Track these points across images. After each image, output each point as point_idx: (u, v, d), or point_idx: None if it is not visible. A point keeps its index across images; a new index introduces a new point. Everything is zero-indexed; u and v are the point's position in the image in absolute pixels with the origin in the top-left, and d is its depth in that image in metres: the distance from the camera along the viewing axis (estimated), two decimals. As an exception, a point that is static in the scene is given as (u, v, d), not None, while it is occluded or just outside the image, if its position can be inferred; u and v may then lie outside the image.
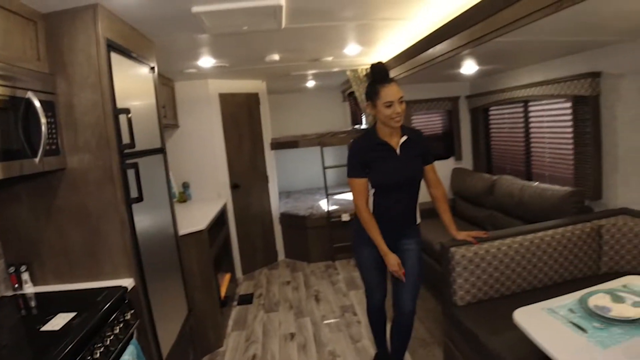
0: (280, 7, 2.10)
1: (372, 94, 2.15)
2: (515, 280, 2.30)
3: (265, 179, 4.83)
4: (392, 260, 2.17)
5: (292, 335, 3.22)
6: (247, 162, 4.61)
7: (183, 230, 2.83)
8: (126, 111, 2.00)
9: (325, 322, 3.37)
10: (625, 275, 1.92)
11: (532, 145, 3.59)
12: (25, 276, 1.96)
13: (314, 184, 6.51)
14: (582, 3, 1.51)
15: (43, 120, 1.62)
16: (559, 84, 2.97)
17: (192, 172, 4.19)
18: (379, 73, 2.18)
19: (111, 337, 1.66)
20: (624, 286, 1.69)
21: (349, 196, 5.36)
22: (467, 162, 4.58)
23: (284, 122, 6.05)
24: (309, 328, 3.31)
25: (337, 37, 2.99)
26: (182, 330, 2.58)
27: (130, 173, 2.02)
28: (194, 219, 3.22)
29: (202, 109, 4.14)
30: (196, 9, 2.04)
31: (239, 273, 4.55)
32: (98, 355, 1.53)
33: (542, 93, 3.18)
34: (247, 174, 4.59)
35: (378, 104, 2.11)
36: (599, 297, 1.60)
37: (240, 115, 4.49)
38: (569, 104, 3.00)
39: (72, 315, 1.63)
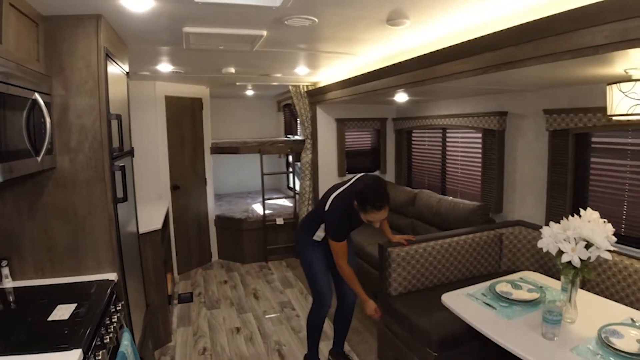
0: (260, 37, 2.42)
1: (361, 206, 2.31)
2: (437, 275, 2.88)
3: (203, 181, 5.02)
4: (372, 306, 2.52)
5: (238, 329, 3.49)
6: (188, 164, 4.77)
7: (141, 228, 2.98)
8: (118, 117, 2.19)
9: (267, 316, 3.69)
10: (521, 271, 2.56)
11: (448, 165, 4.28)
12: (6, 271, 2.01)
13: (244, 188, 6.78)
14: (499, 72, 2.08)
15: (48, 120, 1.72)
16: (473, 117, 3.65)
17: (135, 172, 4.24)
18: (380, 195, 2.28)
19: (112, 325, 1.86)
20: (521, 278, 2.31)
21: (282, 202, 5.75)
22: (390, 176, 5.21)
23: (220, 127, 6.23)
24: (253, 322, 3.61)
25: (292, 60, 3.36)
26: (144, 324, 2.76)
27: (118, 174, 2.20)
28: (144, 219, 3.35)
29: (148, 110, 4.23)
30: (188, 29, 2.25)
31: (175, 273, 4.67)
32: (108, 340, 1.74)
33: (458, 123, 3.86)
34: (187, 176, 4.75)
35: (363, 214, 2.35)
36: (503, 285, 2.19)
37: (184, 118, 4.65)
38: (479, 135, 3.69)
39: (73, 306, 1.77)
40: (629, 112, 1.98)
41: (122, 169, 2.21)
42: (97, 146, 2.04)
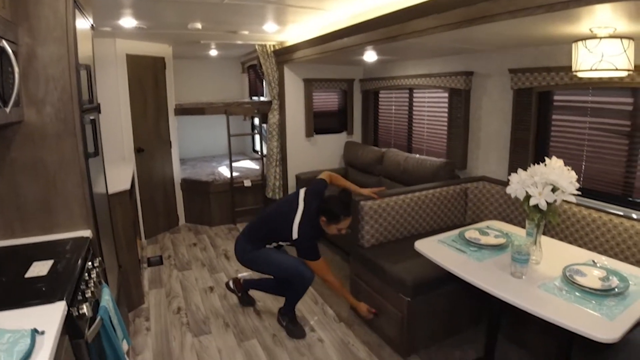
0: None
1: (333, 219, 2.60)
2: (407, 227, 3.01)
3: (168, 144, 4.90)
4: (364, 308, 2.72)
5: (212, 288, 3.52)
6: (152, 126, 4.63)
7: (110, 189, 2.91)
8: (87, 67, 2.09)
9: (240, 275, 3.73)
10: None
11: (414, 125, 4.37)
12: (-28, 233, 1.96)
13: (209, 153, 6.67)
14: (469, 28, 2.12)
15: (17, 69, 1.62)
16: (440, 77, 3.72)
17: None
18: (346, 205, 2.64)
19: (92, 280, 1.84)
20: (487, 226, 2.44)
21: (248, 164, 5.72)
22: (357, 137, 5.27)
23: (184, 88, 6.04)
24: (226, 281, 3.64)
25: (260, 16, 3.28)
26: (118, 285, 2.73)
27: (89, 128, 2.12)
28: (111, 179, 3.25)
29: (109, 69, 4.04)
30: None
31: (142, 237, 4.60)
32: (90, 294, 1.73)
33: (425, 84, 3.93)
34: (151, 138, 4.61)
35: (332, 226, 2.62)
36: (471, 232, 2.32)
37: (146, 78, 4.47)
38: (446, 94, 3.78)
39: (50, 262, 1.72)
40: (593, 68, 2.09)
41: (93, 122, 2.13)
42: (66, 98, 1.94)
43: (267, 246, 2.80)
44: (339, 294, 2.79)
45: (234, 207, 5.09)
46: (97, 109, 2.62)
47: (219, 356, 2.61)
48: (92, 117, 2.15)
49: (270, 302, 3.23)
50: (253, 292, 3.27)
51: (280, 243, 2.80)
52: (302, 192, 2.76)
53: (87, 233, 2.10)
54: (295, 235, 2.60)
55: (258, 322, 2.99)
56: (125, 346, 1.95)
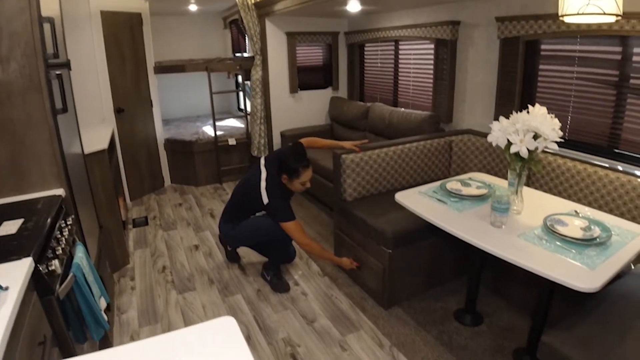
0: None
1: (292, 174, 2.58)
2: (390, 180, 2.98)
3: (149, 103, 4.76)
4: (347, 261, 2.71)
5: (197, 247, 3.52)
6: (131, 85, 4.47)
7: (86, 149, 2.84)
8: (50, 20, 1.97)
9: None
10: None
11: (400, 77, 4.26)
12: (-60, 198, 1.91)
13: (192, 112, 6.53)
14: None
15: None
16: (426, 28, 3.59)
17: (76, 95, 3.95)
18: (300, 155, 2.60)
19: (64, 238, 1.80)
20: (470, 178, 2.41)
21: (233, 122, 5.62)
22: (342, 91, 5.15)
23: (163, 48, 5.83)
24: (211, 239, 3.64)
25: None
26: (99, 245, 2.71)
27: (55, 84, 2.03)
28: (89, 140, 3.18)
29: (83, 27, 3.83)
30: None
31: (127, 199, 4.56)
32: (60, 251, 1.69)
33: (411, 34, 3.79)
34: (131, 98, 4.47)
35: (295, 181, 2.60)
36: (453, 183, 2.30)
37: (123, 36, 4.28)
38: (432, 46, 3.66)
39: (20, 221, 1.70)
40: (580, 12, 1.99)
41: (60, 77, 2.04)
42: (30, 53, 1.86)
43: (243, 221, 2.83)
44: (319, 257, 2.78)
45: (219, 166, 5.02)
46: (67, 66, 2.51)
47: (204, 312, 2.62)
48: (58, 72, 2.04)
49: (255, 257, 3.24)
50: (240, 250, 3.27)
51: (257, 214, 2.82)
52: (262, 160, 2.78)
53: (59, 192, 2.05)
54: (265, 200, 2.61)
55: (242, 277, 3.00)
56: (103, 303, 1.94)
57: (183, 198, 4.70)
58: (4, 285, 1.25)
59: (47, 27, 1.96)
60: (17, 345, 1.16)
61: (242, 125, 5.45)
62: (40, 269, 1.47)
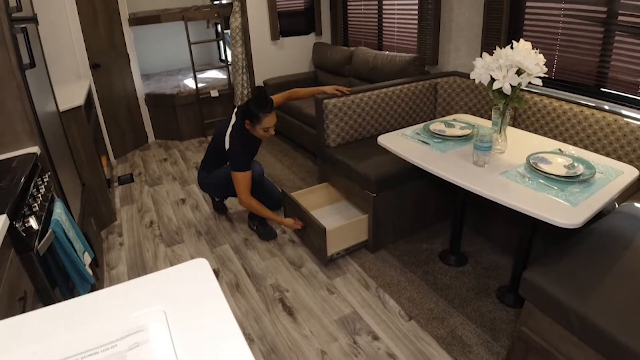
0: None
1: (253, 119, 2.50)
2: (374, 125, 2.94)
3: (126, 57, 4.57)
4: (290, 221, 2.66)
5: (183, 200, 3.50)
6: (105, 39, 4.26)
7: (61, 106, 2.75)
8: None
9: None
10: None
11: (384, 20, 4.11)
12: None
13: (172, 66, 6.29)
14: None
15: None
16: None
17: (46, 50, 3.78)
18: (261, 100, 2.50)
19: (40, 194, 1.77)
20: (454, 119, 2.38)
21: (215, 74, 5.46)
22: (325, 37, 4.97)
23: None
24: (197, 192, 3.62)
25: None
26: (82, 202, 2.68)
27: (20, 38, 1.93)
28: (64, 97, 3.07)
29: (48, -24, 3.61)
30: None
31: (111, 157, 4.48)
32: (37, 207, 1.67)
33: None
34: (106, 52, 4.27)
35: (257, 127, 2.52)
36: (437, 125, 2.26)
37: (91, -15, 4.04)
38: (415, -17, 3.50)
39: (-7, 180, 1.68)
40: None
41: (24, 30, 1.93)
42: (-9, 7, 1.73)
43: (217, 169, 2.81)
44: (260, 214, 2.69)
45: (203, 119, 4.92)
46: (33, 20, 2.37)
47: (193, 263, 2.64)
48: (22, 26, 1.93)
49: (242, 208, 3.24)
50: (227, 201, 3.27)
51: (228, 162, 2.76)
52: (236, 108, 2.72)
53: (34, 149, 2.00)
54: (227, 146, 2.58)
55: (230, 228, 3.01)
56: (87, 258, 1.93)
57: (168, 153, 4.63)
58: (-23, 243, 1.23)
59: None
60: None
61: (224, 76, 5.29)
62: (17, 226, 1.45)
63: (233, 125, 2.62)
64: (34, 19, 2.39)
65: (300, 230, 2.69)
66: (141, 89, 4.82)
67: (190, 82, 5.10)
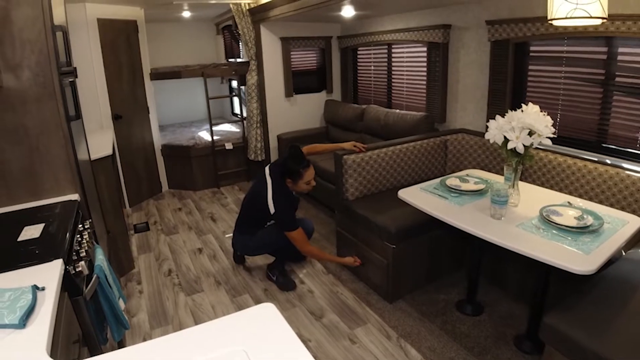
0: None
1: (295, 176, 2.68)
2: (389, 179, 3.09)
3: (146, 110, 4.81)
4: (350, 260, 2.84)
5: (200, 250, 3.58)
6: (128, 92, 4.52)
7: (92, 155, 2.89)
8: (62, 28, 2.03)
9: (227, 235, 3.78)
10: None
11: (393, 80, 4.38)
12: (-44, 204, 1.94)
13: (187, 118, 6.58)
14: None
15: None
16: (418, 32, 3.71)
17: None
18: (298, 157, 2.69)
19: (85, 241, 1.86)
20: (467, 174, 2.54)
21: (228, 127, 5.69)
22: (336, 95, 5.25)
23: (158, 53, 5.87)
24: (214, 242, 3.71)
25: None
26: (108, 250, 2.76)
27: (68, 91, 2.09)
28: (92, 146, 3.22)
29: (80, 35, 3.89)
30: None
31: (126, 205, 4.59)
32: (84, 253, 1.76)
33: (403, 38, 3.91)
34: (128, 104, 4.51)
35: (299, 182, 2.70)
36: (452, 180, 2.41)
37: (119, 43, 4.33)
38: (424, 48, 3.78)
39: (41, 225, 1.75)
40: (568, 16, 2.12)
41: (73, 84, 2.10)
42: (44, 61, 1.91)
43: (259, 231, 2.90)
44: (323, 260, 2.91)
45: (217, 170, 5.09)
46: (74, 73, 2.57)
47: (213, 312, 2.69)
48: (70, 80, 2.11)
49: (259, 259, 3.31)
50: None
51: (268, 223, 2.88)
52: (266, 169, 2.85)
53: (74, 196, 2.11)
54: (272, 209, 2.69)
55: (249, 278, 3.07)
56: (121, 304, 2.00)
57: (182, 203, 4.75)
58: (40, 286, 1.32)
59: (59, 35, 2.02)
60: (57, 343, 1.23)
61: (237, 130, 5.52)
62: (69, 270, 1.54)
63: (273, 188, 2.71)
64: (74, 72, 2.57)
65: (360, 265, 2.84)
66: (158, 140, 5.03)
67: (204, 135, 5.31)
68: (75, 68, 2.63)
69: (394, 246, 2.53)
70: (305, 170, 2.69)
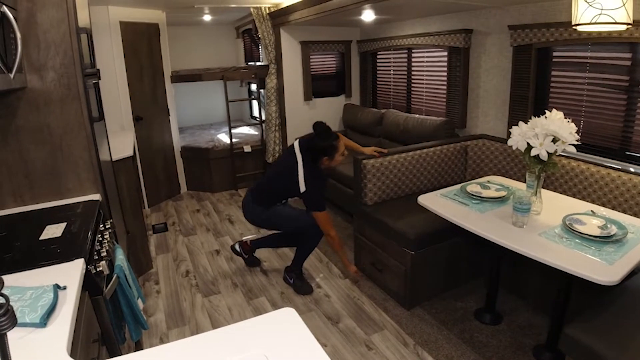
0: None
1: (331, 150, 2.64)
2: (409, 184, 3.06)
3: (166, 112, 4.87)
4: (354, 268, 2.86)
5: (218, 252, 3.60)
6: (149, 94, 4.59)
7: (114, 156, 2.94)
8: (86, 30, 2.07)
9: (245, 238, 3.77)
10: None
11: (413, 85, 4.35)
12: (-19, 202, 1.97)
13: (206, 120, 6.65)
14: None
15: (19, 35, 1.59)
16: (439, 36, 3.68)
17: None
18: (326, 131, 2.67)
19: (106, 241, 1.89)
20: (488, 181, 2.50)
21: (246, 130, 5.72)
22: (355, 99, 5.24)
23: (179, 56, 5.94)
24: (231, 244, 3.72)
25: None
26: (127, 250, 2.80)
27: (91, 92, 2.12)
28: (114, 147, 3.28)
29: (103, 37, 3.97)
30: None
31: (145, 206, 4.66)
32: (105, 253, 1.78)
33: (424, 43, 3.89)
34: (148, 106, 4.59)
35: (336, 155, 2.67)
36: (473, 186, 2.38)
37: (141, 46, 4.41)
38: (445, 53, 3.74)
39: (63, 225, 1.77)
40: (593, 21, 2.08)
41: (96, 86, 2.13)
42: (68, 62, 1.94)
43: (278, 204, 2.87)
44: (336, 250, 2.84)
45: (235, 172, 5.12)
46: (98, 75, 2.61)
47: (230, 314, 2.70)
48: (94, 82, 2.14)
49: (276, 261, 3.32)
50: (259, 253, 3.35)
51: (288, 199, 2.89)
52: (296, 144, 2.80)
53: (96, 197, 2.14)
54: (302, 188, 2.65)
55: (265, 280, 3.08)
56: (140, 304, 2.02)
57: (200, 204, 4.79)
58: (61, 285, 1.33)
59: (83, 37, 2.05)
60: (77, 342, 1.24)
61: (256, 133, 5.55)
62: (90, 269, 1.56)
63: (304, 167, 2.67)
64: (97, 74, 2.62)
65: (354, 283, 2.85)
66: (178, 141, 5.09)
67: (223, 137, 5.36)
68: (98, 70, 2.68)
69: (413, 252, 2.50)
70: (338, 142, 2.67)
